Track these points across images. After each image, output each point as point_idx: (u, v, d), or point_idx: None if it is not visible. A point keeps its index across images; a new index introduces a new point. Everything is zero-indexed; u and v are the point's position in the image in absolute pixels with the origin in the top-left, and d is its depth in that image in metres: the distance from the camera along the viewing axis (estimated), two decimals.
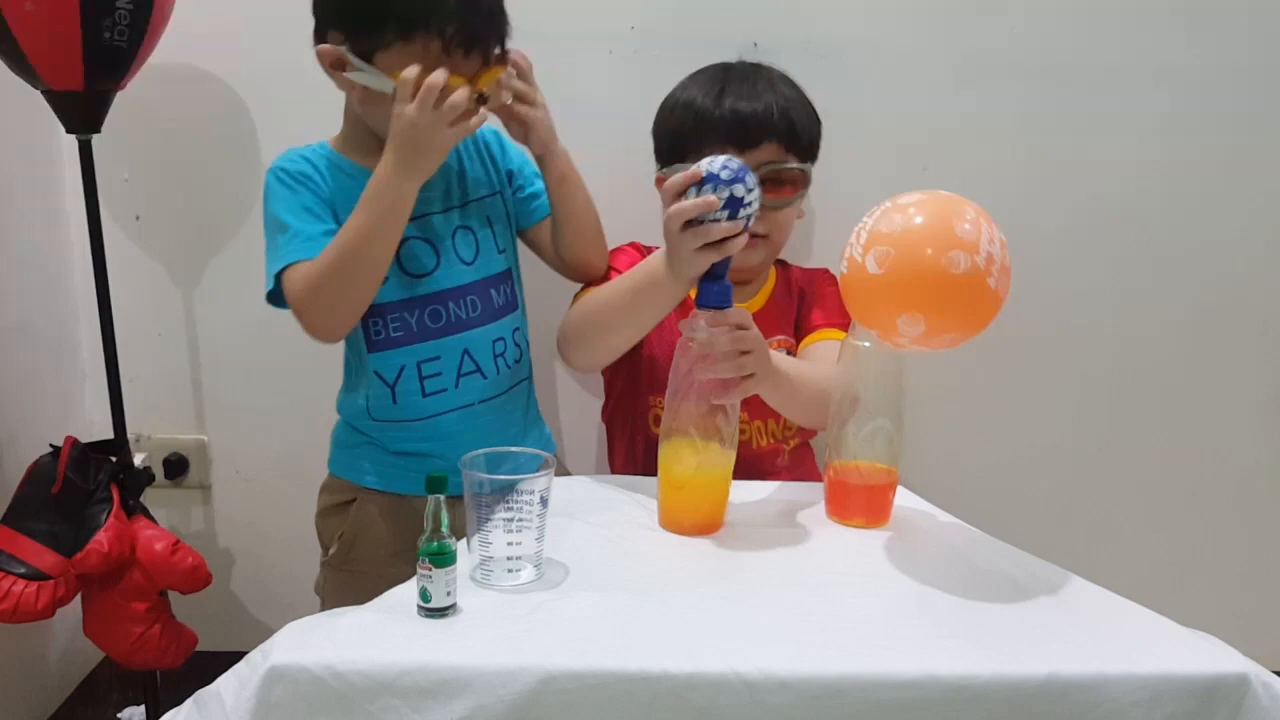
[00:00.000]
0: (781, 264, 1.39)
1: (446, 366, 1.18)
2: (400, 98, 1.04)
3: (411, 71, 1.03)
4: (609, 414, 1.42)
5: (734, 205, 0.99)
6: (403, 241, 1.13)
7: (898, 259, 0.88)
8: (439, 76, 1.02)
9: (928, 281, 0.87)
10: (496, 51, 1.11)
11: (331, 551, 1.22)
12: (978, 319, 0.90)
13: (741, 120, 1.24)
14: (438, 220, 1.19)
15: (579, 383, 1.58)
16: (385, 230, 1.08)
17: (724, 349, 0.99)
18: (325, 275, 1.08)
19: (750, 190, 1.01)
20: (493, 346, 1.21)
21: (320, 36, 1.12)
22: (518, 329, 1.26)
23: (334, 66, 1.11)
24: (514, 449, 0.92)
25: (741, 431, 1.28)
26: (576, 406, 1.58)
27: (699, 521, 1.01)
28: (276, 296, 1.13)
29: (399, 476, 1.20)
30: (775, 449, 1.33)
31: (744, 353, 1.00)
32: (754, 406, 1.16)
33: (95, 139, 1.31)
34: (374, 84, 1.08)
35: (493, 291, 1.22)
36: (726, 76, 1.28)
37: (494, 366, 1.22)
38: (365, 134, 1.16)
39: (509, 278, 1.25)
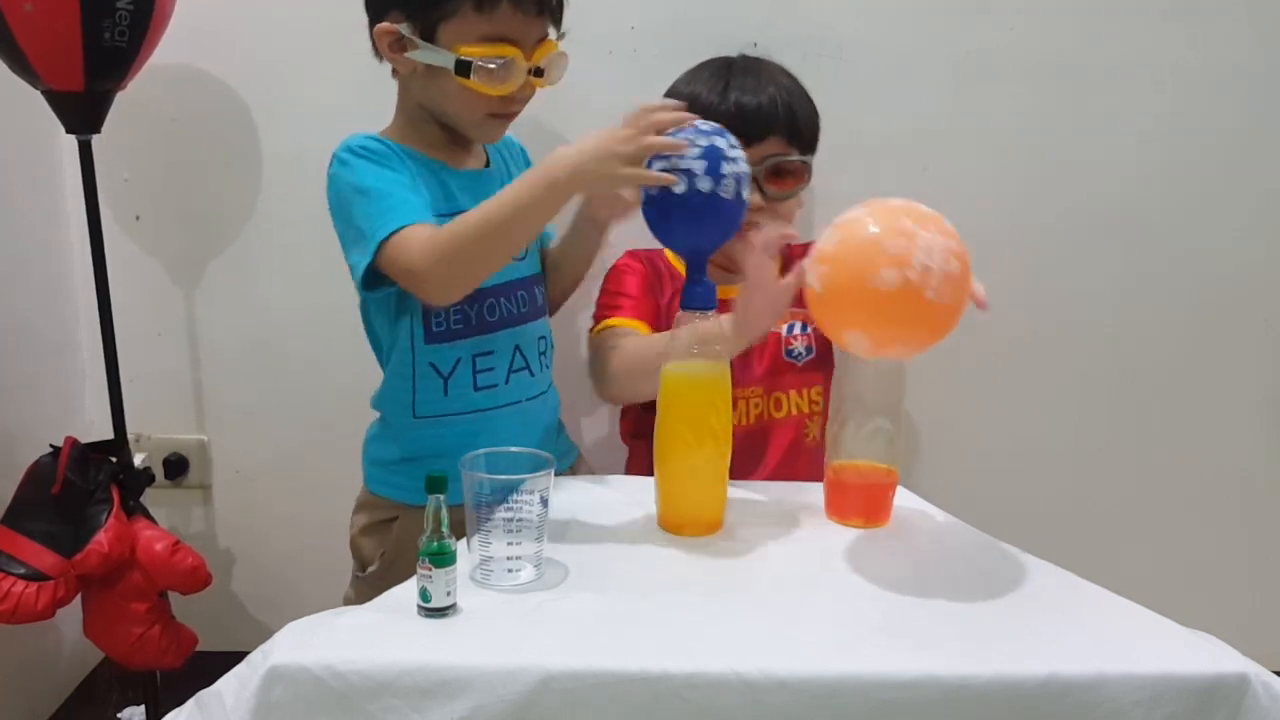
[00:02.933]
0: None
1: (499, 361, 1.17)
2: (626, 122, 1.00)
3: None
4: (631, 431, 1.41)
5: (714, 158, 0.97)
6: None
7: (833, 277, 0.89)
8: (661, 140, 0.98)
9: (858, 299, 0.88)
10: (553, 29, 1.13)
11: (371, 569, 1.20)
12: (921, 331, 0.90)
13: (746, 114, 1.25)
14: None
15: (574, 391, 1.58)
16: (538, 212, 1.03)
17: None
18: (465, 240, 1.02)
19: (734, 147, 1.00)
20: (537, 344, 1.22)
21: (378, 20, 1.12)
22: (549, 328, 1.27)
23: (392, 49, 1.11)
24: (514, 449, 0.92)
25: (779, 406, 1.32)
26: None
27: (697, 522, 1.01)
28: (371, 275, 1.07)
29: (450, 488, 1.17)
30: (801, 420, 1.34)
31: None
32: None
33: (95, 139, 1.31)
34: (436, 60, 1.08)
35: (537, 290, 1.23)
36: (730, 70, 1.30)
37: (539, 364, 1.22)
38: (426, 124, 1.16)
39: (543, 277, 1.27)
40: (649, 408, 1.33)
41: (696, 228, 1.01)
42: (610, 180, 1.01)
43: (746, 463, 1.27)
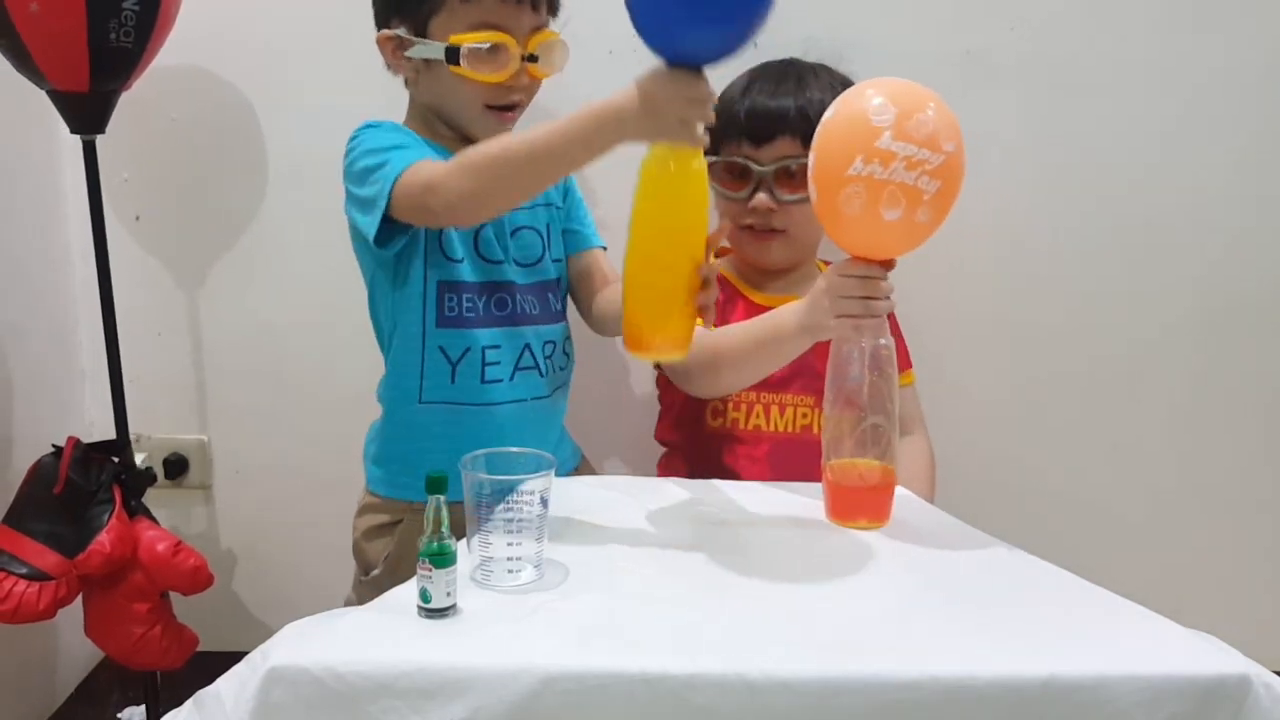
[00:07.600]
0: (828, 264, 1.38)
1: (506, 356, 1.19)
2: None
3: None
4: (666, 431, 1.40)
5: None
6: (480, 228, 1.16)
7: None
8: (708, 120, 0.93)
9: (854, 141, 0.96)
10: (551, 19, 1.16)
11: (375, 573, 1.20)
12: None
13: (755, 115, 1.25)
14: (512, 214, 1.19)
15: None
16: (583, 151, 0.98)
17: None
18: (506, 159, 0.99)
19: None
20: (543, 348, 1.23)
21: (380, 29, 1.17)
22: (568, 338, 1.28)
23: (395, 54, 1.15)
24: (514, 449, 0.92)
25: (805, 417, 1.29)
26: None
27: (664, 341, 0.95)
28: (385, 231, 1.06)
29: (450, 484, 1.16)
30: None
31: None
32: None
33: (97, 139, 1.31)
34: (429, 53, 1.12)
35: (549, 295, 1.24)
36: (759, 74, 1.30)
37: (547, 366, 1.24)
38: (438, 127, 1.19)
39: (559, 286, 1.27)
40: (690, 407, 1.31)
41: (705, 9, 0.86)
42: (671, 134, 0.92)
43: (790, 471, 1.24)
